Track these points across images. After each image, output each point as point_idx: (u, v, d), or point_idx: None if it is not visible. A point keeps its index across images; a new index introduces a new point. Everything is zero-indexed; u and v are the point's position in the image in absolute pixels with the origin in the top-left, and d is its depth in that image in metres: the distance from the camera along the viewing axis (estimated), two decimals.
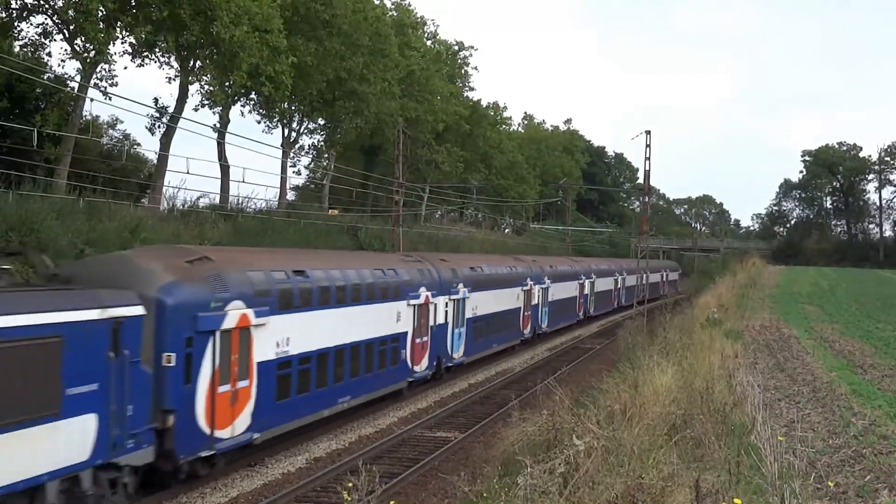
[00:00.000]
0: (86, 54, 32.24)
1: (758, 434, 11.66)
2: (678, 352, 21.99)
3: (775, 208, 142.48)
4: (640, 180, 78.19)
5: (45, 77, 34.57)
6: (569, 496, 10.19)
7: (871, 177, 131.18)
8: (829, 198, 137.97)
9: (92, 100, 34.25)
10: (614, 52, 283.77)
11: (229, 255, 19.74)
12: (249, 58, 35.19)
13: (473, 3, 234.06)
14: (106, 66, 33.59)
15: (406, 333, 27.00)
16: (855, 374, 23.55)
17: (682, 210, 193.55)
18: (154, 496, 16.20)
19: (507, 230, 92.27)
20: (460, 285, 31.87)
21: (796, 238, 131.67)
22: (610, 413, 14.44)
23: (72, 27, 31.96)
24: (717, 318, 34.20)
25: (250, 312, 18.09)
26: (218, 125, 43.13)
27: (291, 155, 52.60)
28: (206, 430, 16.93)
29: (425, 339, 28.69)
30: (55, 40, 34.41)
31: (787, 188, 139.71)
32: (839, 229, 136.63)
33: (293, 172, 59.14)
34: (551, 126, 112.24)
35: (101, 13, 30.91)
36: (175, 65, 38.16)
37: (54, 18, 32.96)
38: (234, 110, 48.64)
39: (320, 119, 53.24)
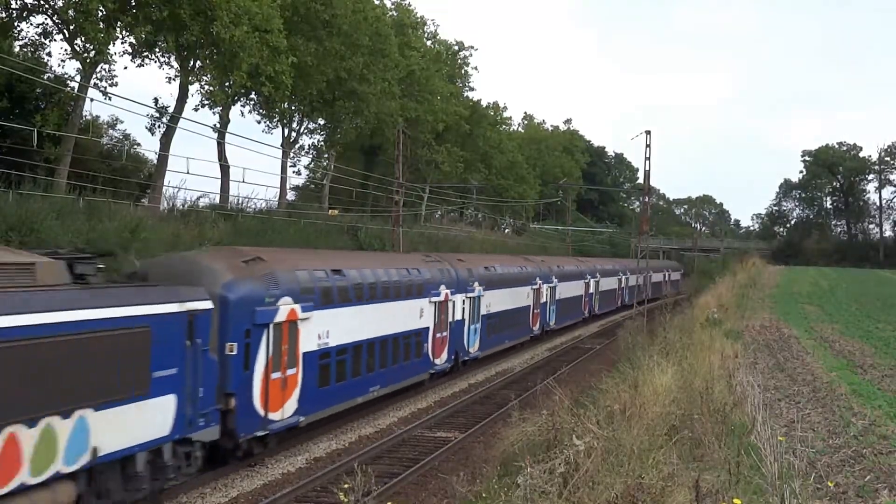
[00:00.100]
0: (86, 54, 32.25)
1: (758, 434, 11.66)
2: (678, 352, 21.99)
3: (775, 208, 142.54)
4: (640, 180, 78.23)
5: (45, 77, 34.58)
6: (568, 496, 10.19)
7: (871, 177, 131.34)
8: (829, 198, 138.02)
9: (92, 100, 34.31)
10: (614, 52, 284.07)
11: (278, 255, 21.45)
12: (249, 58, 35.19)
13: (473, 3, 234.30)
14: (106, 66, 33.65)
15: (428, 329, 28.69)
16: (855, 374, 23.55)
17: (682, 210, 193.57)
18: (153, 497, 16.21)
19: (507, 230, 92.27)
20: (476, 284, 33.49)
21: (796, 238, 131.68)
22: (610, 413, 14.44)
23: (72, 27, 31.97)
24: (717, 318, 34.21)
25: (297, 307, 19.85)
26: (218, 125, 43.17)
27: (291, 155, 52.62)
28: (261, 412, 18.67)
29: (445, 334, 30.27)
30: (55, 40, 34.49)
31: (787, 188, 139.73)
32: (839, 229, 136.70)
33: (293, 172, 59.22)
34: (551, 126, 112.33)
35: (101, 13, 30.91)
36: (175, 65, 38.18)
37: (54, 18, 32.97)
38: (234, 110, 48.73)
39: (320, 119, 53.25)
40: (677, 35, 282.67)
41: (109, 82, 34.16)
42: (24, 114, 34.20)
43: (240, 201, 42.27)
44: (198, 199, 38.06)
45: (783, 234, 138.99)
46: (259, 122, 49.95)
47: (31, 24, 40.64)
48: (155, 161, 40.58)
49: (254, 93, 44.07)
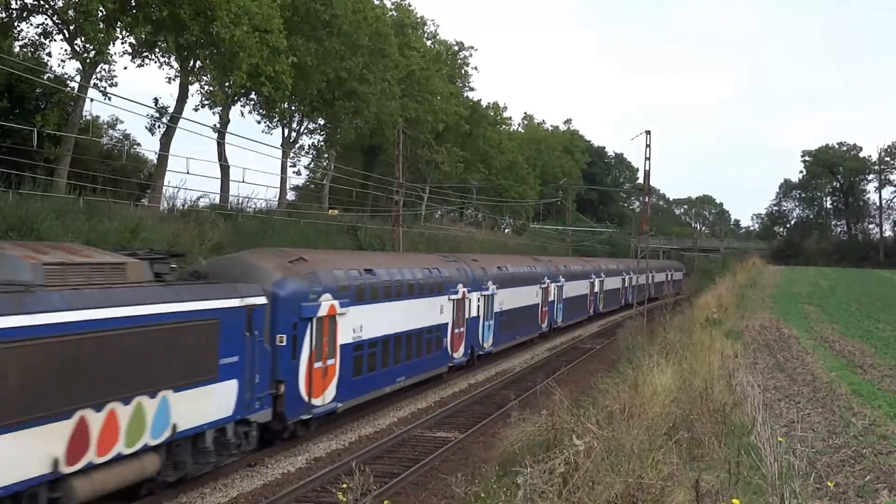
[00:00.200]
0: (86, 54, 32.26)
1: (758, 434, 11.65)
2: (678, 352, 21.98)
3: (775, 208, 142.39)
4: (640, 180, 78.11)
5: (45, 77, 34.56)
6: (568, 496, 10.18)
7: (871, 177, 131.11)
8: (829, 198, 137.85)
9: (92, 100, 34.31)
10: (614, 52, 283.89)
11: (317, 256, 23.38)
12: (249, 58, 35.18)
13: (473, 3, 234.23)
14: (106, 67, 33.65)
15: (447, 324, 30.32)
16: (855, 374, 23.55)
17: (682, 210, 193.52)
18: (154, 496, 16.22)
19: (506, 230, 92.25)
20: (490, 283, 35.09)
21: (796, 238, 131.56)
22: (609, 413, 14.44)
23: (72, 27, 31.96)
24: (717, 318, 34.20)
25: (336, 303, 21.70)
26: (218, 125, 43.18)
27: (291, 155, 52.63)
28: (306, 397, 20.46)
29: (462, 329, 31.88)
30: (55, 40, 34.47)
31: (787, 188, 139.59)
32: (839, 229, 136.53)
33: (293, 172, 59.26)
34: (551, 126, 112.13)
35: (101, 13, 30.90)
36: (175, 65, 38.18)
37: (54, 18, 32.96)
38: (234, 110, 48.69)
39: (320, 119, 53.25)
40: (677, 35, 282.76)
41: (109, 82, 34.22)
42: (24, 114, 34.18)
43: (240, 201, 42.33)
44: (198, 199, 38.13)
45: (783, 235, 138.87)
46: (259, 122, 50.04)
47: (31, 24, 40.63)
48: (155, 161, 40.62)
49: (254, 93, 44.07)
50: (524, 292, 40.62)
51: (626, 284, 70.05)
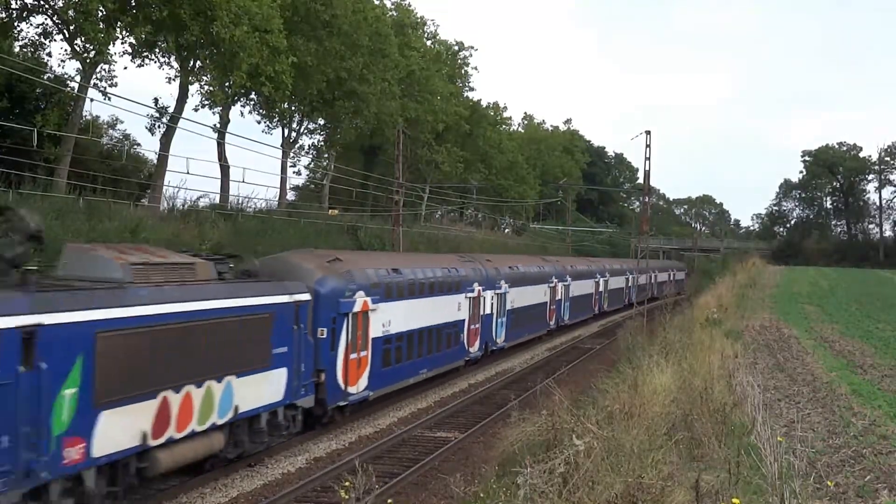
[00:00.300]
0: (86, 54, 32.25)
1: (758, 434, 11.66)
2: (678, 352, 21.98)
3: (775, 208, 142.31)
4: (640, 180, 78.09)
5: (45, 77, 34.56)
6: (568, 496, 10.18)
7: (871, 177, 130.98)
8: (829, 198, 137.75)
9: (92, 100, 34.31)
10: (614, 52, 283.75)
11: (351, 256, 25.50)
12: (249, 58, 35.19)
13: (473, 3, 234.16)
14: (106, 67, 33.64)
15: (464, 321, 31.98)
16: (855, 374, 23.54)
17: (682, 210, 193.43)
18: (154, 496, 16.24)
19: (506, 230, 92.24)
20: (502, 281, 36.63)
21: (796, 238, 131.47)
22: (609, 413, 14.44)
23: (72, 27, 31.96)
24: (717, 318, 34.19)
25: (368, 300, 23.46)
26: (218, 125, 43.17)
27: (291, 155, 52.61)
28: (343, 385, 22.24)
29: (477, 325, 33.48)
30: (55, 40, 34.45)
31: (787, 188, 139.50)
32: (839, 229, 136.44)
33: (293, 172, 59.26)
34: (551, 126, 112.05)
35: (101, 13, 30.90)
36: (175, 65, 38.17)
37: (54, 18, 32.95)
38: (234, 110, 48.68)
39: (320, 119, 53.24)
40: (677, 35, 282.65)
41: (109, 82, 34.20)
42: (24, 114, 34.18)
43: (240, 201, 42.30)
44: (198, 199, 38.06)
45: (783, 235, 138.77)
46: (259, 122, 49.99)
47: (31, 24, 40.64)
48: (155, 161, 40.61)
49: (254, 93, 44.05)
50: (534, 291, 42.10)
51: (630, 284, 70.69)
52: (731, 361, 21.34)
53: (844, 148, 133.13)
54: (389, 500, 13.23)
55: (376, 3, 53.95)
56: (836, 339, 32.15)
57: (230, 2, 33.08)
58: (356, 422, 23.94)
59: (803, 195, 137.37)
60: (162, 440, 15.17)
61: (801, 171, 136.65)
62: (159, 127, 38.45)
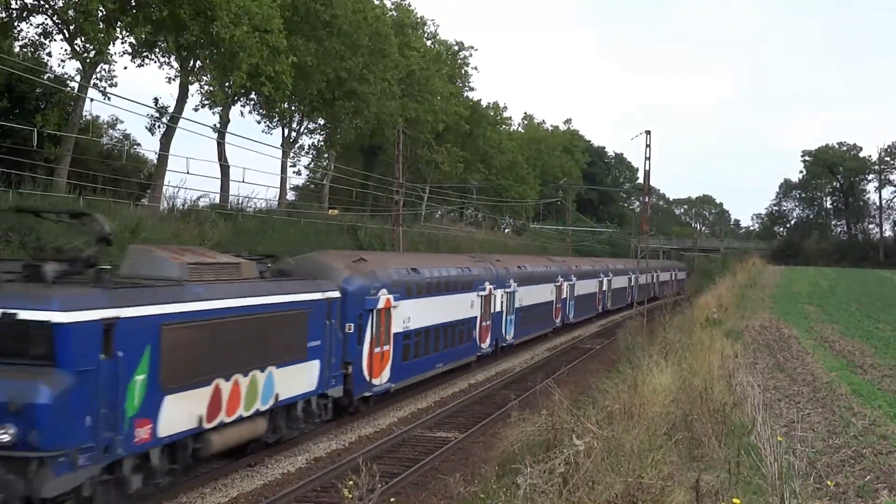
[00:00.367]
0: (86, 54, 32.26)
1: (758, 434, 11.65)
2: (678, 352, 21.97)
3: (775, 208, 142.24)
4: (640, 180, 78.08)
5: (45, 77, 34.57)
6: (568, 496, 10.18)
7: (871, 177, 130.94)
8: (829, 198, 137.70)
9: (92, 100, 34.35)
10: (614, 52, 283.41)
11: (374, 256, 27.34)
12: (249, 58, 35.20)
13: (473, 3, 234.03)
14: (106, 67, 33.66)
15: (476, 318, 33.19)
16: (855, 374, 23.54)
17: (682, 210, 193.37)
18: (153, 496, 16.23)
19: (506, 230, 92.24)
20: (511, 280, 37.79)
21: (796, 238, 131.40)
22: (609, 413, 14.44)
23: (72, 27, 31.97)
24: (717, 318, 34.18)
25: (391, 297, 24.84)
26: (218, 125, 43.19)
27: (291, 155, 52.63)
28: (368, 377, 23.65)
29: (488, 322, 34.68)
30: (55, 40, 34.49)
31: (787, 188, 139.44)
32: (839, 229, 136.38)
33: (293, 172, 59.28)
34: (551, 126, 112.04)
35: (101, 13, 30.91)
36: (175, 65, 38.19)
37: (54, 18, 32.97)
38: (234, 110, 48.69)
39: (320, 119, 53.27)
40: (677, 35, 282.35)
41: (109, 82, 34.24)
42: (24, 114, 34.19)
43: (240, 201, 42.32)
44: (198, 199, 38.09)
45: (783, 235, 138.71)
46: (259, 122, 50.05)
47: (31, 24, 40.63)
48: (155, 161, 40.62)
49: (254, 93, 44.08)
50: (541, 290, 43.24)
51: (633, 283, 70.99)
52: (731, 361, 21.34)
53: (844, 148, 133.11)
54: (392, 500, 13.21)
55: (376, 3, 53.97)
56: (836, 339, 32.14)
57: (230, 2, 33.09)
58: (356, 421, 23.95)
59: (803, 195, 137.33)
60: (215, 423, 16.56)
61: (801, 171, 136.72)
62: (159, 127, 38.48)
